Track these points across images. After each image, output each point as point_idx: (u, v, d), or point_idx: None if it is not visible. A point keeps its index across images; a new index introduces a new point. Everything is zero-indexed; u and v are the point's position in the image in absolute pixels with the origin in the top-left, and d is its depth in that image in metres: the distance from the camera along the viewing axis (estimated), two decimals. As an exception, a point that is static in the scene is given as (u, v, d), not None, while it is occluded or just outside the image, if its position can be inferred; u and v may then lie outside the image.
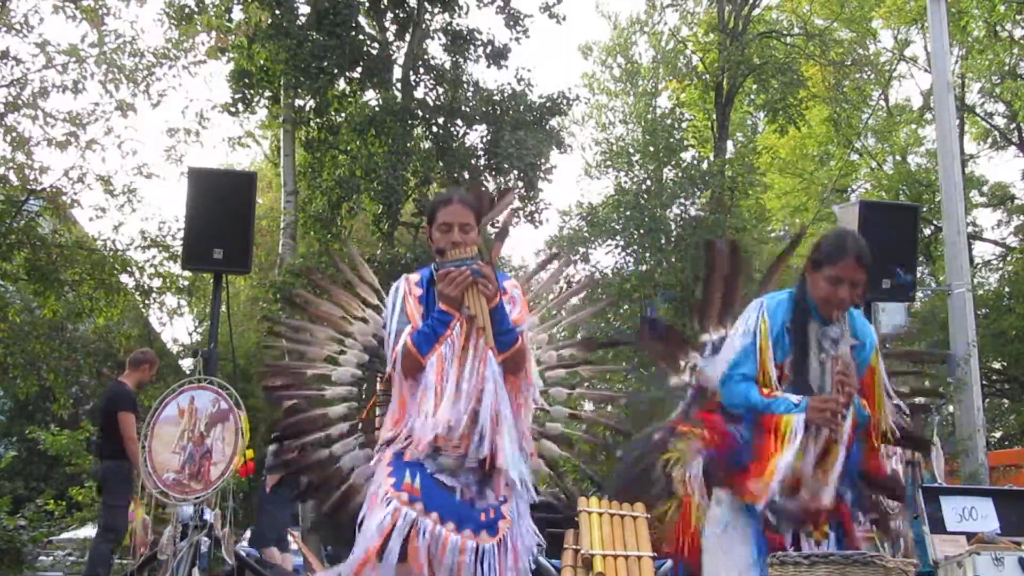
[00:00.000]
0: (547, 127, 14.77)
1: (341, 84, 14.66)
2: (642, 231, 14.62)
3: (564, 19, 15.52)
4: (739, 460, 2.99)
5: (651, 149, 15.95)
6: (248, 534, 9.11)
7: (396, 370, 2.75)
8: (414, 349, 2.72)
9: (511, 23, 15.12)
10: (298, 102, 14.49)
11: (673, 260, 14.21)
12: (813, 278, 3.02)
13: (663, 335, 4.23)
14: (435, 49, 15.22)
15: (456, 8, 14.71)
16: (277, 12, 13.01)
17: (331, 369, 4.12)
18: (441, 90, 14.81)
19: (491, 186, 14.22)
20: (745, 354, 3.04)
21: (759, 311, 3.08)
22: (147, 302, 10.55)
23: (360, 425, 4.06)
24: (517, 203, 14.65)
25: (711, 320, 4.17)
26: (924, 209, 17.18)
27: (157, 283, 10.11)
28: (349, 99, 14.86)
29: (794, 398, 2.95)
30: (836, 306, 2.97)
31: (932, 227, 18.58)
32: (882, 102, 21.49)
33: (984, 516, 4.88)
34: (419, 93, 14.78)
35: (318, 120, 14.69)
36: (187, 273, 9.88)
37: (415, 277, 2.94)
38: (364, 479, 3.94)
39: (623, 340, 11.51)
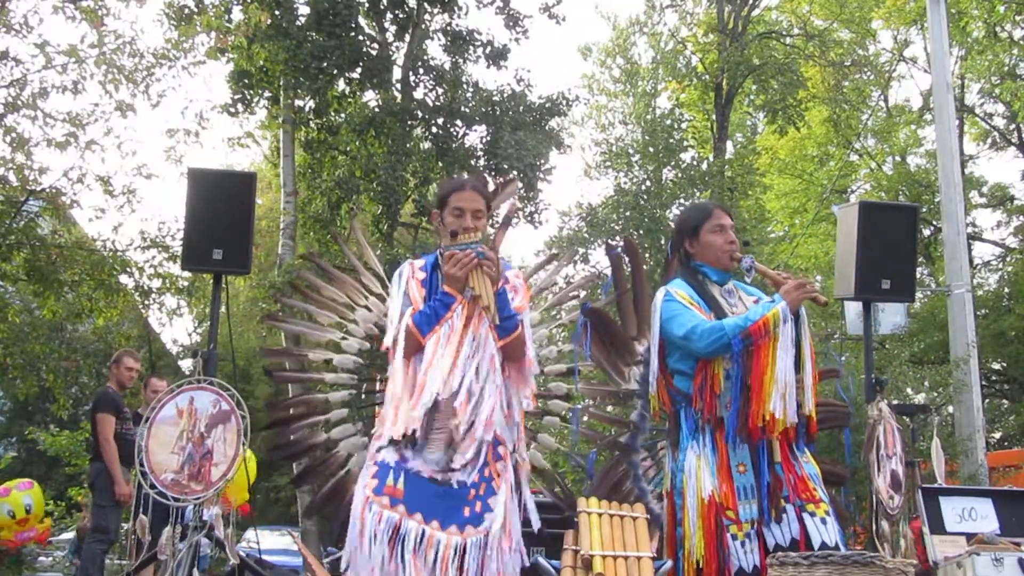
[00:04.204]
0: (547, 128, 14.76)
1: (341, 84, 14.66)
2: (642, 232, 14.63)
3: (564, 20, 15.55)
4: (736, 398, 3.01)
5: (651, 150, 15.97)
6: (248, 534, 9.10)
7: (397, 351, 2.76)
8: (415, 329, 2.75)
9: (511, 24, 15.12)
10: (298, 102, 14.49)
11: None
12: (699, 245, 3.25)
13: (606, 333, 4.27)
14: (435, 50, 15.25)
15: (456, 8, 14.71)
16: (277, 12, 13.01)
17: (333, 355, 4.14)
18: (441, 91, 14.80)
19: (491, 187, 14.21)
20: (689, 314, 3.11)
21: (665, 293, 3.21)
22: (147, 303, 10.56)
23: (360, 413, 4.09)
24: (517, 203, 14.67)
25: (632, 330, 4.24)
26: (924, 210, 17.19)
27: (157, 284, 10.12)
28: (349, 99, 14.87)
29: (765, 300, 3.12)
30: (729, 251, 3.21)
31: (932, 228, 18.59)
32: (881, 103, 21.50)
33: (984, 517, 4.88)
34: (419, 94, 14.79)
35: (318, 121, 14.69)
36: (187, 274, 9.88)
37: (419, 262, 2.98)
38: (359, 466, 3.96)
39: None
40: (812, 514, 2.97)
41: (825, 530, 2.95)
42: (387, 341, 2.83)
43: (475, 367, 2.75)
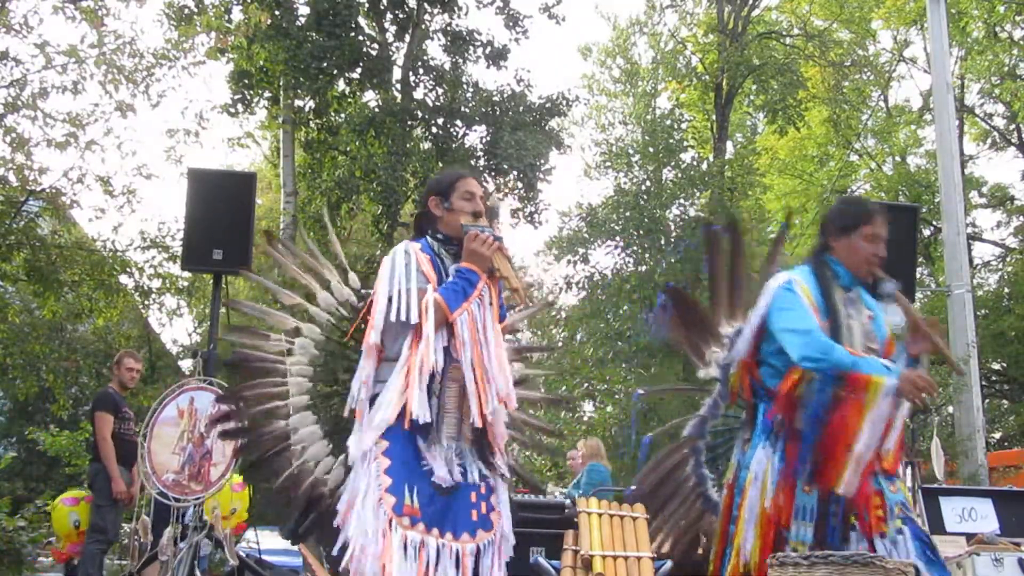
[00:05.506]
0: (546, 128, 14.76)
1: (341, 85, 14.66)
2: (642, 232, 14.62)
3: (564, 20, 15.54)
4: (810, 440, 2.90)
5: (650, 150, 15.95)
6: (248, 534, 9.07)
7: (426, 324, 2.71)
8: (444, 304, 2.75)
9: (511, 24, 15.12)
10: (297, 103, 14.49)
11: (673, 261, 14.22)
12: (847, 243, 3.09)
13: (688, 313, 4.10)
14: (435, 50, 15.24)
15: (456, 9, 14.71)
16: (277, 13, 13.01)
17: (291, 343, 4.08)
18: (441, 91, 14.80)
19: (491, 187, 14.23)
20: (804, 313, 2.98)
21: (787, 280, 3.08)
22: (146, 303, 10.57)
23: (319, 402, 4.03)
24: (517, 203, 14.68)
25: (723, 312, 4.10)
26: (924, 210, 17.19)
27: (156, 284, 10.13)
28: (349, 100, 14.86)
29: (885, 362, 2.93)
30: (873, 264, 3.08)
31: (932, 228, 18.59)
32: (881, 103, 21.50)
33: (984, 517, 4.88)
34: (419, 94, 14.78)
35: (318, 121, 14.69)
36: (186, 274, 9.88)
37: (416, 245, 2.93)
38: (315, 460, 3.91)
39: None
40: (882, 535, 2.90)
41: (895, 551, 2.86)
42: (408, 315, 2.72)
43: (500, 354, 2.82)
